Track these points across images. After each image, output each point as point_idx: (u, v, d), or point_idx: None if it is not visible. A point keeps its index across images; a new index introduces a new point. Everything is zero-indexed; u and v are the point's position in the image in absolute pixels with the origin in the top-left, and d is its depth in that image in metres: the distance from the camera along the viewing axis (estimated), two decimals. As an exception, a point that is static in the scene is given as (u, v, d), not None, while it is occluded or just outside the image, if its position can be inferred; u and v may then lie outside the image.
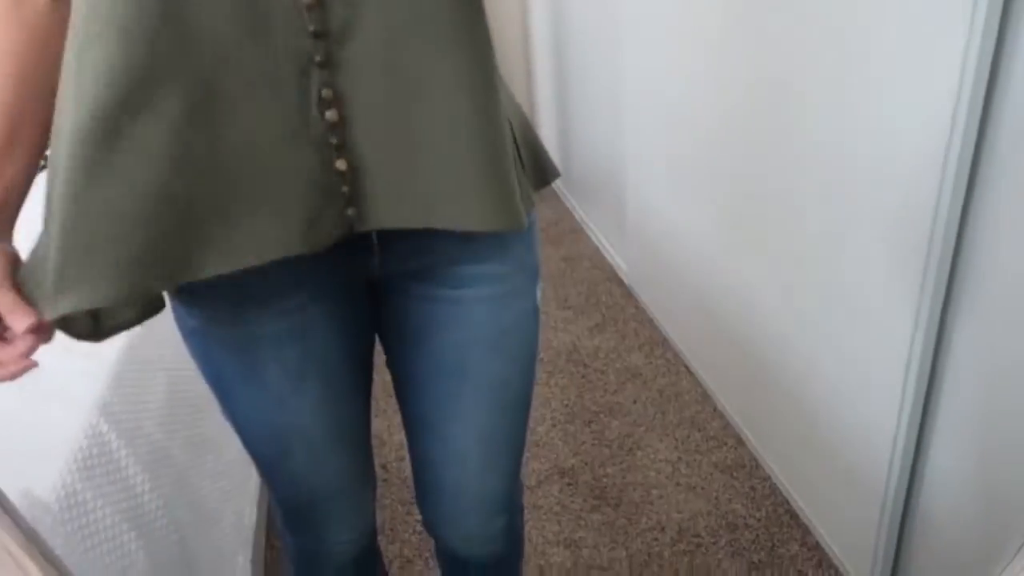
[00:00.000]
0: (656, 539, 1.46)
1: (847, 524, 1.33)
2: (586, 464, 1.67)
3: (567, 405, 1.86)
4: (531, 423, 1.78)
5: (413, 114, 0.60)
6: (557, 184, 3.16)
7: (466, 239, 0.68)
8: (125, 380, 0.93)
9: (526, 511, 1.54)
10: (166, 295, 0.69)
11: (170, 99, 0.53)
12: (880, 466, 1.19)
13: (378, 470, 1.62)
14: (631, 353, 2.04)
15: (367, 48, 0.57)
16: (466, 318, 0.74)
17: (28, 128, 0.60)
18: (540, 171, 0.76)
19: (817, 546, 1.42)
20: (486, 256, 0.72)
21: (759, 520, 1.49)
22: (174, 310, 0.71)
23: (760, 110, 1.38)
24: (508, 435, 0.83)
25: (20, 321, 0.57)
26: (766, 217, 1.42)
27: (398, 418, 0.86)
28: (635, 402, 1.85)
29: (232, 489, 1.17)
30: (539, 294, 0.79)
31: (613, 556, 1.44)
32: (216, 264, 0.57)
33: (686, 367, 1.95)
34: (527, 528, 1.51)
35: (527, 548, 1.44)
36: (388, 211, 0.63)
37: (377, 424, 1.78)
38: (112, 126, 0.52)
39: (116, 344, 0.97)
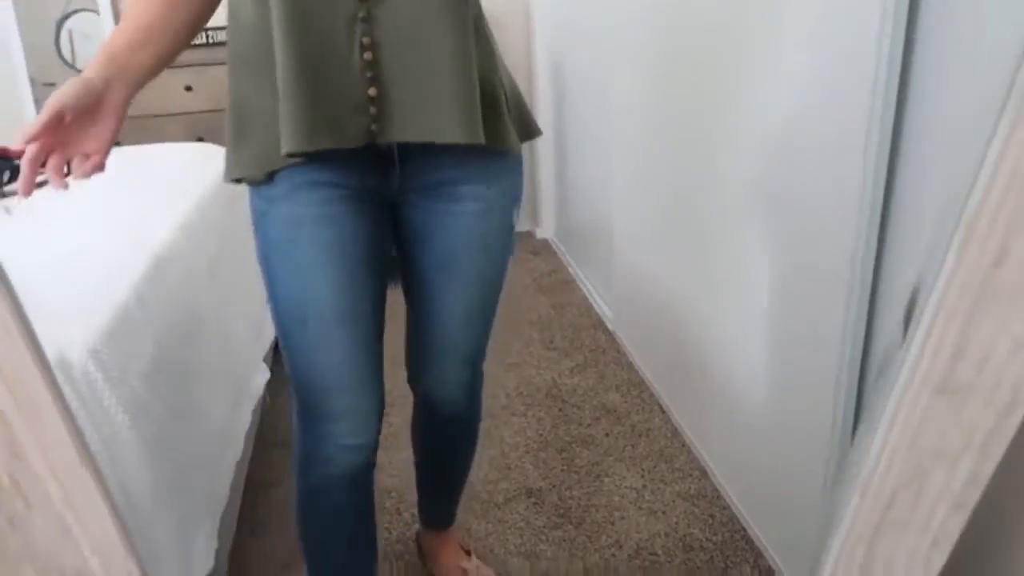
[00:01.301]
0: (614, 555, 1.51)
1: (798, 550, 1.38)
2: (553, 487, 1.72)
3: (541, 435, 1.92)
4: (504, 449, 1.86)
5: (420, 60, 0.88)
6: (554, 240, 3.30)
7: (462, 165, 0.97)
8: (116, 337, 1.02)
9: (491, 525, 1.60)
10: (248, 189, 0.97)
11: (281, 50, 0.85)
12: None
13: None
14: (608, 392, 2.11)
15: (395, 11, 0.85)
16: (459, 225, 1.00)
17: (160, 35, 0.87)
18: (525, 127, 1.04)
19: (769, 570, 1.46)
20: (477, 180, 0.99)
21: (715, 544, 1.53)
22: (251, 201, 0.97)
23: (729, 191, 1.53)
24: (482, 310, 1.10)
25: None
26: (734, 272, 1.54)
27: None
28: (607, 435, 1.91)
29: (208, 462, 1.24)
30: (516, 216, 1.07)
31: (570, 568, 1.48)
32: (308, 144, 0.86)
33: (660, 406, 2.02)
34: (490, 540, 1.56)
35: (490, 559, 1.49)
36: (399, 129, 0.90)
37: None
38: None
39: (108, 309, 1.06)
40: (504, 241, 1.06)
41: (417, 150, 0.94)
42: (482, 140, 0.91)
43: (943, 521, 0.69)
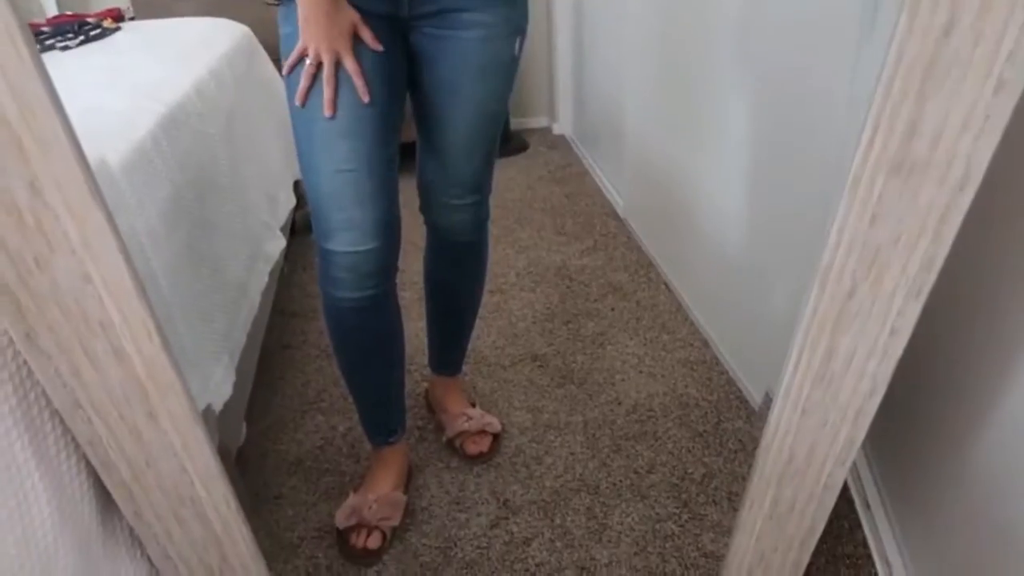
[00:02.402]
0: (612, 410, 1.58)
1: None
2: (558, 353, 1.79)
3: (549, 308, 1.98)
4: (512, 319, 1.92)
5: None
6: (571, 137, 3.30)
7: None
8: (133, 170, 1.06)
9: (496, 384, 1.67)
10: (279, 15, 1.03)
11: None
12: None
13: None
14: (616, 272, 2.16)
15: None
16: (462, 50, 1.06)
17: None
18: None
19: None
20: (480, 8, 1.04)
21: (710, 402, 1.60)
22: (280, 29, 1.04)
23: (733, 84, 1.53)
24: (483, 137, 1.16)
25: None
26: (737, 158, 1.56)
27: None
28: (613, 310, 1.97)
29: (225, 306, 1.31)
30: (517, 46, 1.11)
31: (570, 420, 1.56)
32: None
33: (666, 285, 2.06)
34: (495, 397, 1.64)
35: (494, 413, 1.57)
36: None
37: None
38: None
39: (125, 147, 1.10)
40: (504, 71, 1.11)
41: None
42: None
43: (901, 309, 0.73)
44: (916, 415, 1.15)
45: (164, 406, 0.71)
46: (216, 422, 1.15)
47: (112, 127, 1.16)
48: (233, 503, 0.84)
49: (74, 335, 0.64)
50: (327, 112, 0.98)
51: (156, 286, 1.05)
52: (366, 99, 0.98)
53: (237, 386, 1.29)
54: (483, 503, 1.35)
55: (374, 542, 1.25)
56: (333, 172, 1.00)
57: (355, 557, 1.24)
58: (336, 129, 0.98)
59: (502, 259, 2.26)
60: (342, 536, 1.27)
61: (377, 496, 1.29)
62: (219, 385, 1.20)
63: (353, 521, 1.26)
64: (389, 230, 1.07)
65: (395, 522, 1.28)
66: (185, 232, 1.21)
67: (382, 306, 1.14)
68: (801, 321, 0.78)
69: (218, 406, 1.18)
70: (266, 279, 1.60)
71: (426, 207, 1.26)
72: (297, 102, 0.99)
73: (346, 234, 1.03)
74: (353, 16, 0.97)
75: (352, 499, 1.30)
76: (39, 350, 0.64)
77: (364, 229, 1.03)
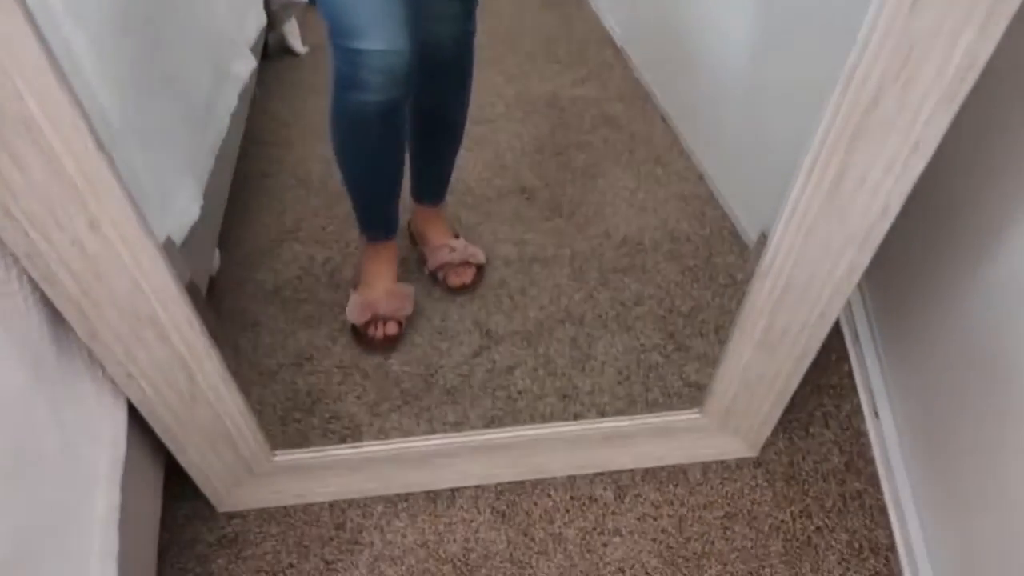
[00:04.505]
0: (601, 243, 1.53)
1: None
2: (547, 185, 1.72)
3: (538, 139, 1.88)
4: (499, 151, 1.82)
5: None
6: (565, -43, 3.04)
7: None
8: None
9: (481, 216, 1.61)
10: None
11: None
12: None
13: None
14: (611, 103, 2.04)
15: None
16: None
17: None
18: None
19: (752, 260, 1.48)
20: None
21: (702, 237, 1.55)
22: None
23: None
24: None
25: None
26: None
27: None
28: (606, 142, 1.87)
29: (188, 128, 1.21)
30: None
31: (557, 253, 1.51)
32: None
33: (662, 117, 1.96)
34: (480, 229, 1.58)
35: (479, 245, 1.51)
36: None
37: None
38: None
39: None
40: None
41: None
42: None
43: (929, 118, 0.66)
44: (914, 252, 1.10)
45: (105, 214, 0.64)
46: (178, 252, 1.08)
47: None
48: (197, 324, 0.79)
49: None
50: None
51: (97, 106, 0.95)
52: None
53: (207, 212, 1.21)
54: (466, 333, 1.33)
55: (392, 329, 1.30)
56: None
57: (376, 347, 1.29)
58: None
59: (490, 88, 2.12)
60: (357, 331, 1.31)
61: (386, 290, 1.32)
62: (183, 209, 1.12)
63: (368, 315, 1.30)
64: (414, 34, 1.01)
65: (408, 311, 1.33)
66: (137, 45, 1.09)
67: (402, 111, 1.10)
68: (813, 136, 0.70)
69: (184, 232, 1.11)
70: (235, 101, 1.49)
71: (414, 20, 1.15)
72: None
73: (380, 31, 0.95)
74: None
75: (358, 297, 1.32)
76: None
77: (400, 25, 0.96)
